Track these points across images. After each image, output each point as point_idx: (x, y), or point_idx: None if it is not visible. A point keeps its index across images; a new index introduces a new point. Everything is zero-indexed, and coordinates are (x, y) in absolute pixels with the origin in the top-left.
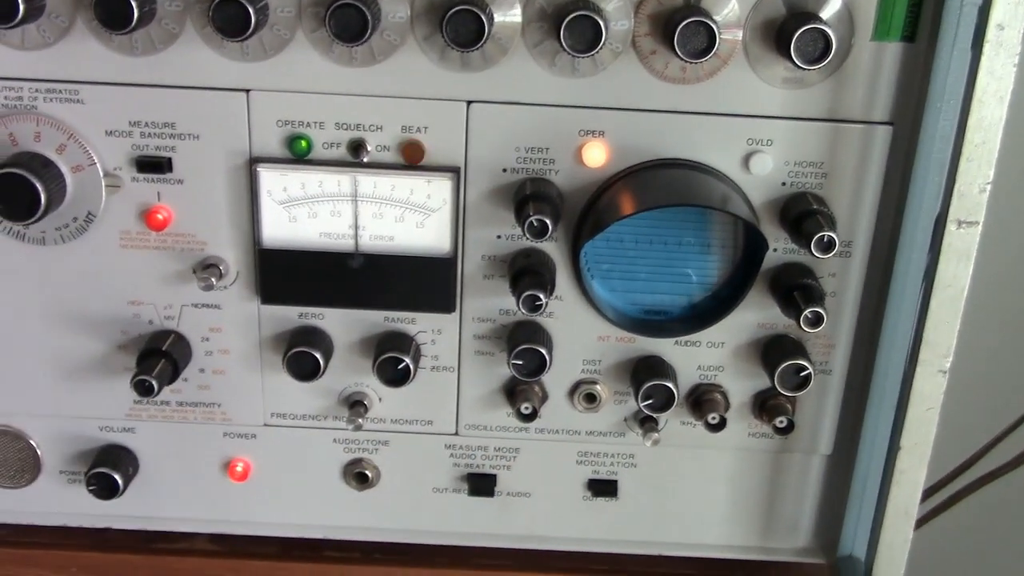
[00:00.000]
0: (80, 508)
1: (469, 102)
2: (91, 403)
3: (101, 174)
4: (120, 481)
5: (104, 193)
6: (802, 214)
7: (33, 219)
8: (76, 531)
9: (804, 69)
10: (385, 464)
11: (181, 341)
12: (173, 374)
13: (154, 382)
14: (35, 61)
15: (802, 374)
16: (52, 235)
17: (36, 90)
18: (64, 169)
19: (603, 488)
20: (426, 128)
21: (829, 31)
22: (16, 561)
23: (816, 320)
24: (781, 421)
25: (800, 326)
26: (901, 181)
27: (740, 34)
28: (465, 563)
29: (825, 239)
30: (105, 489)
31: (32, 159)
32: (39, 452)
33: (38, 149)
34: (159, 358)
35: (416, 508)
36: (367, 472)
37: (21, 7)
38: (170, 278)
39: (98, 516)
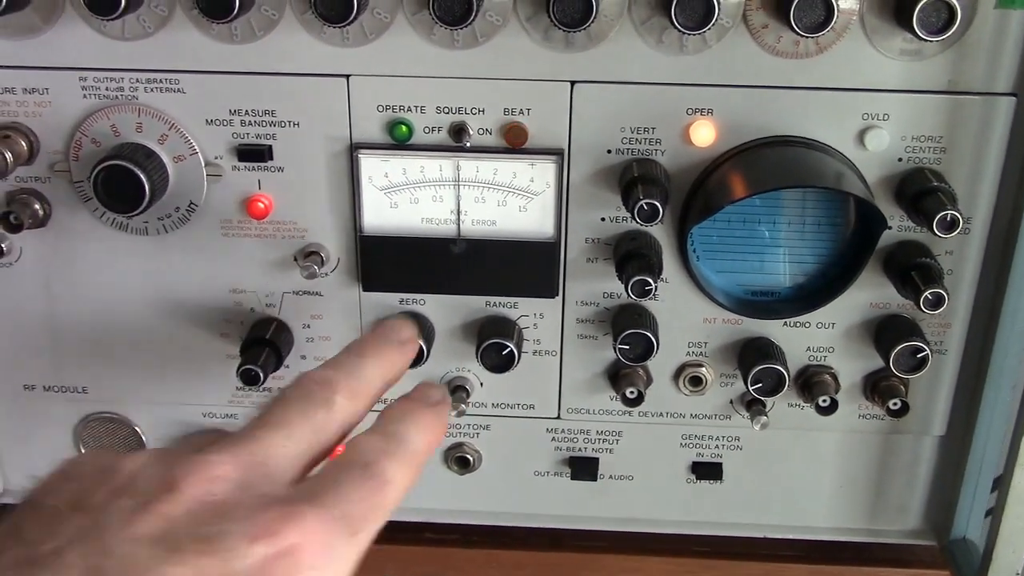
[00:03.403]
0: None
1: (573, 82)
2: (194, 390)
3: (202, 163)
4: None
5: (206, 182)
6: (921, 191)
7: (137, 211)
8: None
9: (926, 40)
10: (487, 448)
11: (283, 329)
12: (277, 362)
13: (260, 371)
14: (135, 51)
15: (919, 356)
16: (155, 225)
17: (137, 80)
18: (166, 159)
19: (707, 471)
20: (529, 110)
21: (953, 0)
22: None
23: (937, 302)
24: (895, 403)
25: (920, 307)
26: None
27: (857, 5)
28: (565, 546)
29: (948, 218)
30: None
31: (135, 150)
32: (144, 439)
33: (140, 140)
34: (263, 347)
35: (517, 492)
36: (469, 456)
37: None
38: (271, 266)
39: None
